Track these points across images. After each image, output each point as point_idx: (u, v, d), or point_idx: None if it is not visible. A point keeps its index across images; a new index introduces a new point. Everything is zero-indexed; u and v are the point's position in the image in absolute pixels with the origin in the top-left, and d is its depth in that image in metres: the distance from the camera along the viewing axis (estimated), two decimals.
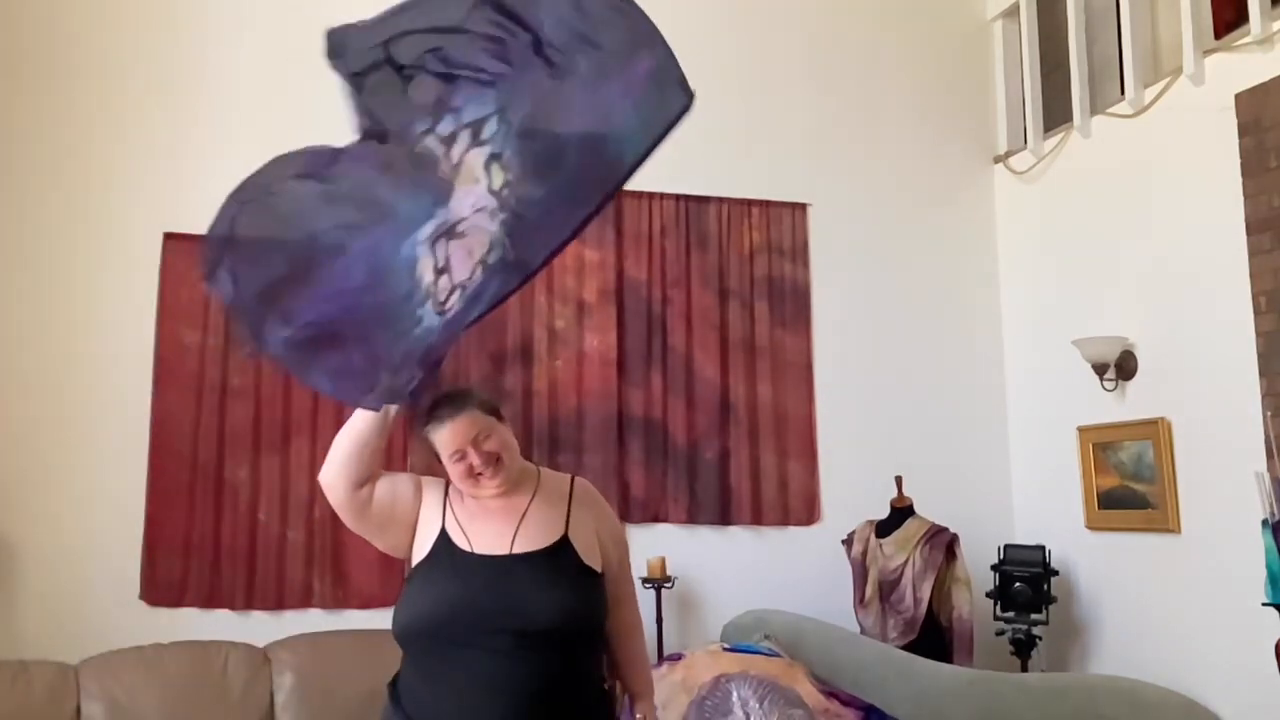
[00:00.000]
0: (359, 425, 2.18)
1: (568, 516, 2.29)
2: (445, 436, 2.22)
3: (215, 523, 4.25)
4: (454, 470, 2.24)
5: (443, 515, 2.26)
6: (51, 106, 4.31)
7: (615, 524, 2.43)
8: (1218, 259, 4.06)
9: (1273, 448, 3.57)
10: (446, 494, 2.30)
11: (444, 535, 2.24)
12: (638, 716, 2.40)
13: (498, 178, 1.99)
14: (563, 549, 2.24)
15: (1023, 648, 4.46)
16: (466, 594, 2.15)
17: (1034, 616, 4.48)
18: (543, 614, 2.14)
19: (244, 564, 4.25)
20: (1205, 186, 4.13)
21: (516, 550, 2.21)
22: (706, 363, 4.85)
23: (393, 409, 2.17)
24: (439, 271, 2.00)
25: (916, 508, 4.62)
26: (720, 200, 4.98)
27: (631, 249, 4.84)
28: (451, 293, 1.98)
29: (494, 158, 2.00)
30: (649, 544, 4.64)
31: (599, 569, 2.28)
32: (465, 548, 2.22)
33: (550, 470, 2.43)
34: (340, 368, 2.09)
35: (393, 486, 2.27)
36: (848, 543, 4.70)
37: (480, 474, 2.22)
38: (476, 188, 2.00)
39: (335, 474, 2.21)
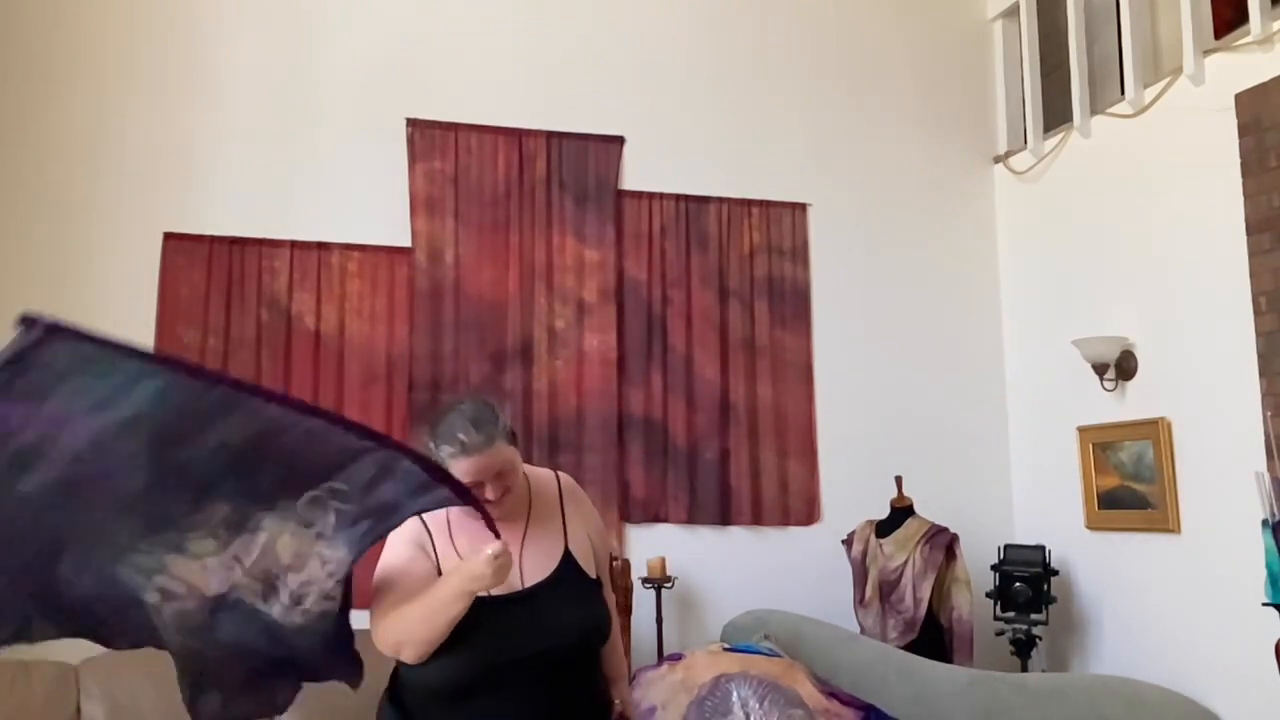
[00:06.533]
0: (453, 612, 2.05)
1: (564, 528, 2.26)
2: (466, 467, 2.10)
3: None
4: None
5: (437, 563, 2.17)
6: (51, 106, 4.30)
7: (597, 516, 2.40)
8: (1218, 259, 4.06)
9: (1273, 448, 3.57)
10: (431, 537, 2.18)
11: None
12: (616, 702, 2.38)
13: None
14: (568, 567, 2.22)
15: (1023, 648, 4.46)
16: (498, 643, 2.09)
17: (1034, 616, 4.48)
18: (567, 640, 2.14)
19: None
20: (1205, 186, 4.13)
21: (528, 582, 2.15)
22: (706, 363, 4.85)
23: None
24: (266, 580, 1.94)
25: (916, 508, 4.62)
26: (720, 200, 4.98)
27: (631, 249, 4.84)
28: (303, 588, 1.96)
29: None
30: (649, 544, 4.64)
31: (595, 574, 2.28)
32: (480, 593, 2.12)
33: (533, 470, 2.35)
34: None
35: (427, 581, 2.14)
36: (848, 543, 4.70)
37: (488, 500, 2.14)
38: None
39: (423, 650, 2.10)
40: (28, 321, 1.55)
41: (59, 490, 1.72)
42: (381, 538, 2.07)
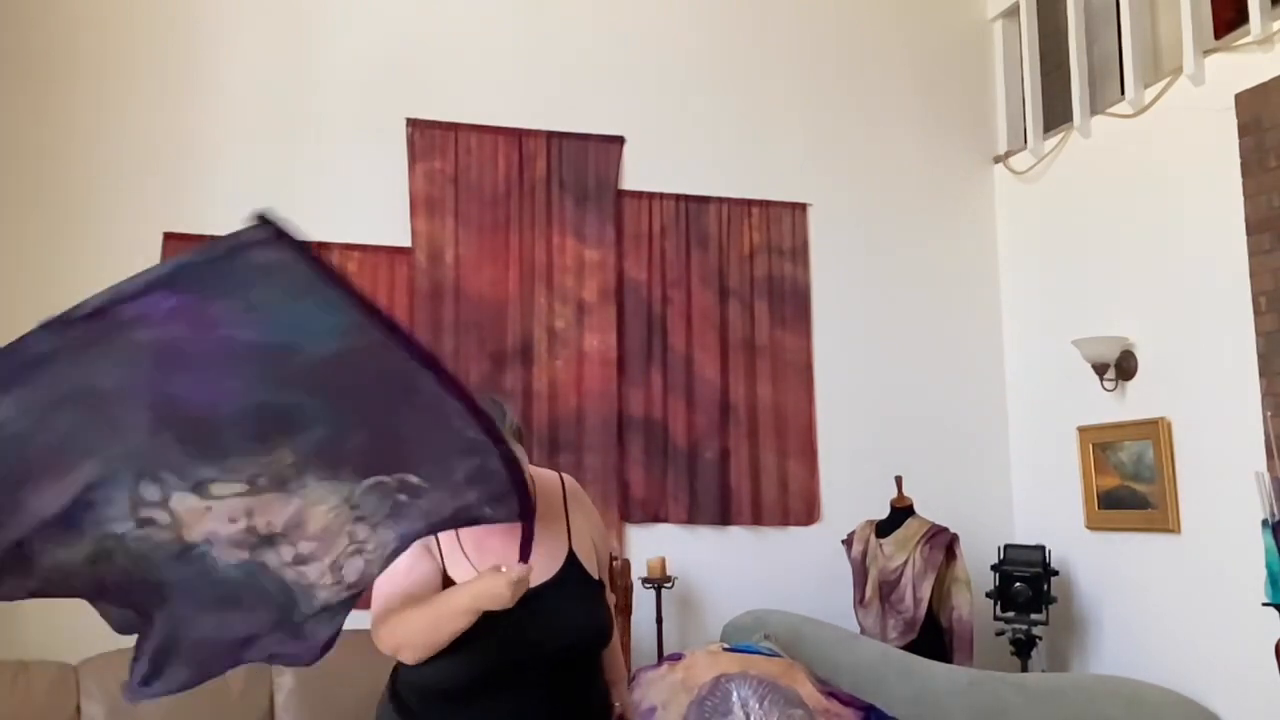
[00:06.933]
0: (460, 624, 2.03)
1: (568, 529, 2.26)
2: None
3: None
4: None
5: (442, 564, 2.16)
6: (51, 106, 4.30)
7: (599, 518, 2.39)
8: (1218, 259, 4.06)
9: (1273, 448, 3.57)
10: (437, 536, 2.15)
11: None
12: (616, 704, 2.39)
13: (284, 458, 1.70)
14: (572, 568, 2.21)
15: (1023, 648, 4.46)
16: (501, 644, 2.08)
17: (1034, 616, 4.48)
18: (570, 641, 2.14)
19: None
20: (1205, 186, 4.13)
21: (533, 582, 2.11)
22: (706, 363, 4.85)
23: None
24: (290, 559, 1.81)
25: (916, 508, 4.62)
26: (720, 200, 4.98)
27: (631, 249, 4.84)
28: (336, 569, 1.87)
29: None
30: (649, 544, 4.64)
31: (598, 576, 2.28)
32: None
33: (537, 470, 2.32)
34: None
35: (431, 581, 2.12)
36: (848, 543, 4.70)
37: None
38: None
39: (424, 655, 2.09)
40: (262, 219, 1.42)
41: (127, 399, 1.54)
42: (433, 533, 2.01)
